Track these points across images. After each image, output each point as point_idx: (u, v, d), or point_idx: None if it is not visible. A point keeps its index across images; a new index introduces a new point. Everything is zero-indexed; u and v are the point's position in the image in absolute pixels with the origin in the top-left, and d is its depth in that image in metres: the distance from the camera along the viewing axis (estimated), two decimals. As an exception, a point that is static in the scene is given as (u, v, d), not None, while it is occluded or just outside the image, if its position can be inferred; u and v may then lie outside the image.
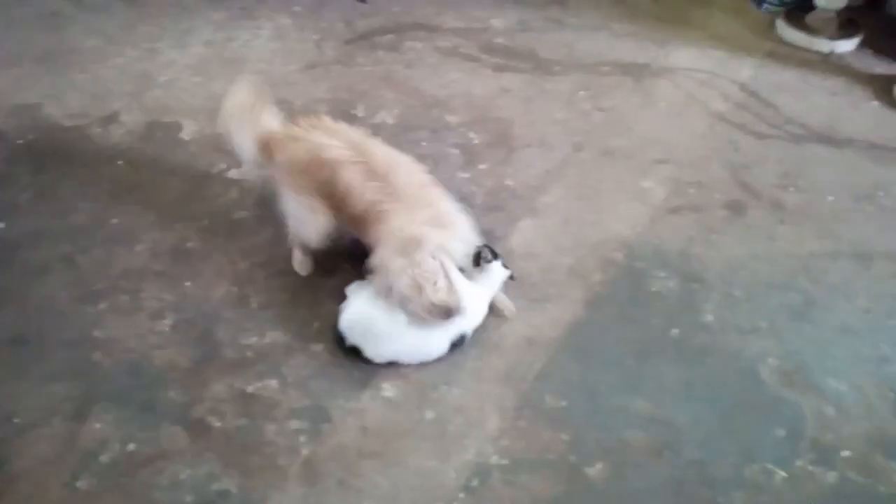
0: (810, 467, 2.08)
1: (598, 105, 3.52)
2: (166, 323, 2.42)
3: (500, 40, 3.96)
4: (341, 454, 2.06)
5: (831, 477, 2.06)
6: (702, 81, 3.69)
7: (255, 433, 2.11)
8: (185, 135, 3.23)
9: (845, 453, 2.11)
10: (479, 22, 4.14)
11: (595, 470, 2.06)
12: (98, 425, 2.12)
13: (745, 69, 3.80)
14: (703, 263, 2.69)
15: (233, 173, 2.99)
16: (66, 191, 2.91)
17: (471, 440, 2.12)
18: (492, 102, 3.51)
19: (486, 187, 3.01)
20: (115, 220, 2.78)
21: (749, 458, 2.10)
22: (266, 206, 2.82)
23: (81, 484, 1.98)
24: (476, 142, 3.25)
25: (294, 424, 2.13)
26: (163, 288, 2.53)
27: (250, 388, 2.23)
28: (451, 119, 3.38)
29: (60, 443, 2.06)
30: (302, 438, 2.10)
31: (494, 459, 2.07)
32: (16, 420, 2.12)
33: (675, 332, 2.45)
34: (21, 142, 3.16)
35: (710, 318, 2.50)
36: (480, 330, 2.40)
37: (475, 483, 2.01)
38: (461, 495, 1.98)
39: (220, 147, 3.13)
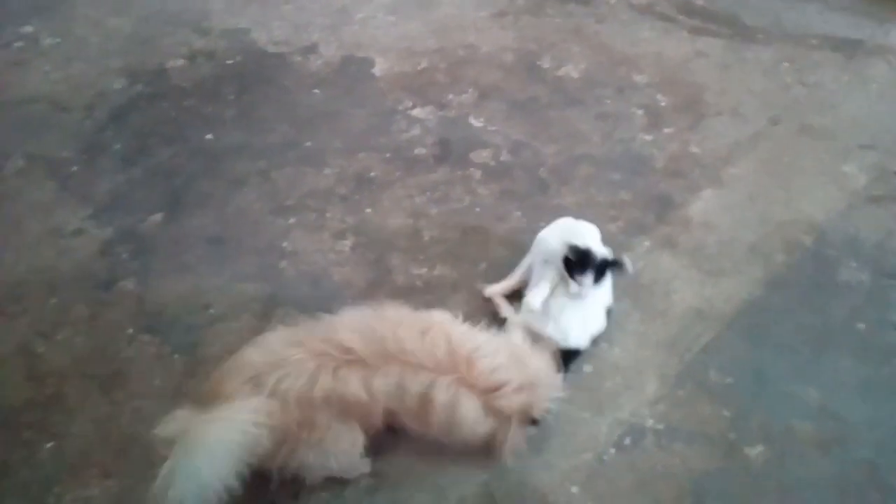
0: None
1: (802, 79, 3.26)
2: (346, 244, 2.56)
3: (700, 2, 3.75)
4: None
5: None
6: (924, 64, 3.33)
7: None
8: (377, 71, 3.35)
9: None
10: (679, -19, 3.94)
11: (755, 452, 1.98)
12: (280, 326, 2.30)
13: (979, 55, 3.38)
14: (903, 260, 2.47)
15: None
16: (266, 111, 3.12)
17: (626, 400, 2.10)
18: (684, 66, 3.35)
19: (669, 152, 2.90)
20: (308, 143, 2.95)
21: (933, 471, 1.93)
22: (444, 146, 2.90)
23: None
24: (663, 104, 3.13)
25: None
26: (346, 211, 2.68)
27: (416, 316, 2.32)
28: (639, 79, 3.27)
29: (247, 336, 2.25)
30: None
31: (650, 423, 2.05)
32: (210, 310, 2.35)
33: (860, 326, 2.28)
34: (230, 62, 3.41)
35: (903, 316, 2.30)
36: (647, 295, 2.36)
37: (627, 441, 2.00)
38: (612, 450, 1.98)
39: (407, 85, 3.25)
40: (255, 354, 1.77)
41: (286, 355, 1.73)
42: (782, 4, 3.74)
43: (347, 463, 1.83)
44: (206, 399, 1.71)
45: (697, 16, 3.67)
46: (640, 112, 3.09)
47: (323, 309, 2.31)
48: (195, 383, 2.13)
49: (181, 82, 3.29)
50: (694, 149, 2.91)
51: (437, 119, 3.07)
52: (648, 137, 2.97)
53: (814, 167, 2.83)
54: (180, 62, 3.40)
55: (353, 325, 1.82)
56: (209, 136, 2.99)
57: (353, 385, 1.71)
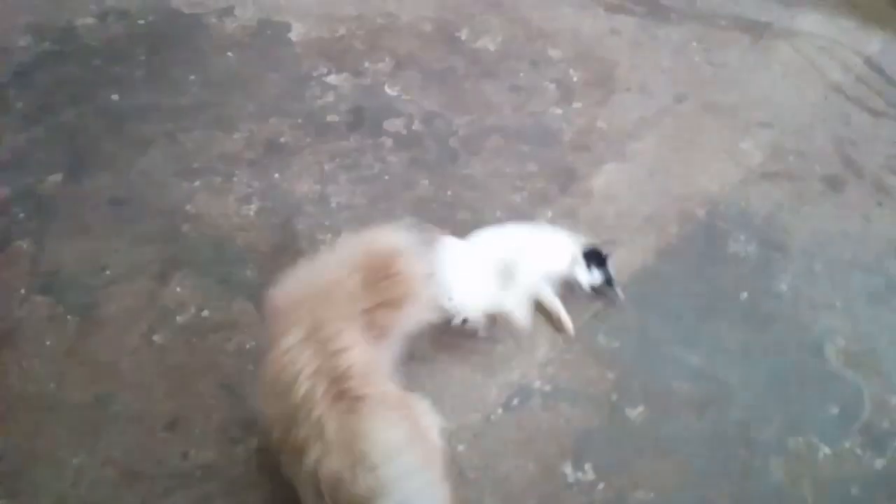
0: (858, 450, 2.05)
1: (710, 59, 3.38)
2: (252, 208, 2.55)
3: (617, -20, 3.82)
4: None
5: (878, 463, 2.02)
6: (823, 49, 3.46)
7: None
8: (294, 35, 3.31)
9: (898, 443, 2.06)
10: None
11: (636, 412, 2.09)
12: (178, 289, 2.29)
13: (874, 42, 3.54)
14: (788, 233, 2.61)
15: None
16: (178, 73, 3.06)
17: (517, 363, 2.18)
18: (598, 42, 3.42)
19: (577, 126, 2.97)
20: (218, 107, 2.91)
21: (795, 430, 2.08)
22: (357, 114, 2.91)
23: (157, 338, 2.16)
24: (575, 79, 3.20)
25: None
26: (253, 175, 2.66)
27: (319, 280, 2.34)
28: (554, 53, 3.33)
29: (143, 299, 2.25)
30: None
31: (538, 384, 2.13)
32: (107, 272, 2.32)
33: (744, 295, 2.41)
34: (142, 22, 3.31)
35: (783, 287, 2.44)
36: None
37: (515, 402, 2.08)
38: (499, 411, 2.06)
39: (323, 51, 3.23)
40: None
41: None
42: (697, -15, 3.84)
43: None
44: None
45: (616, -6, 3.74)
46: (552, 86, 3.15)
47: (223, 273, 2.34)
48: (99, 344, 2.13)
49: (90, 41, 3.18)
50: (601, 123, 2.99)
51: (351, 86, 3.06)
52: (558, 111, 3.04)
53: (713, 143, 2.94)
54: (90, 20, 3.28)
55: None
56: (115, 97, 2.92)
57: None
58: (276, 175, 2.67)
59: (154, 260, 2.37)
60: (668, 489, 1.94)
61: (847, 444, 2.05)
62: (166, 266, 2.36)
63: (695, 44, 3.45)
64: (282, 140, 2.81)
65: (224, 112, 2.90)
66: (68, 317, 2.20)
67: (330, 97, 3.01)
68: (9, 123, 2.78)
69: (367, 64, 3.19)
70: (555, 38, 3.41)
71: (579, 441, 2.02)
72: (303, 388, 1.53)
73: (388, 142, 2.84)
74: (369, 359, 1.62)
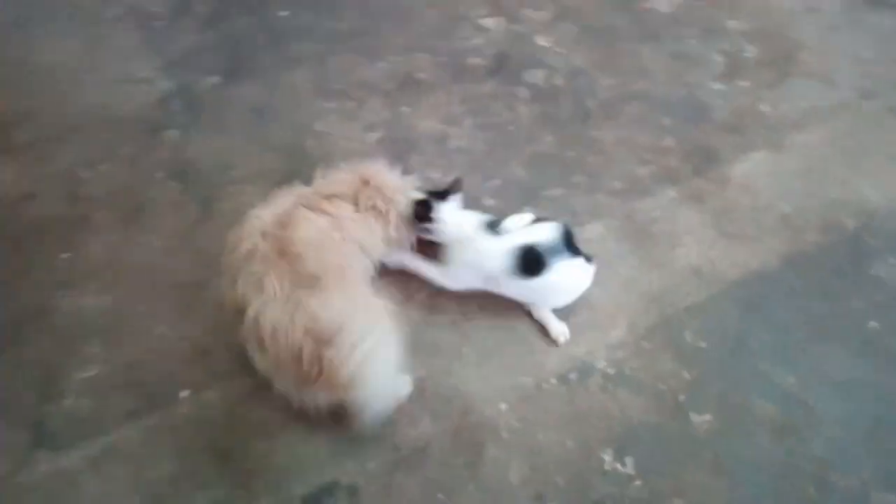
0: (962, 528, 1.73)
1: (922, 55, 2.90)
2: (374, 136, 2.62)
3: (835, -47, 3.37)
4: (460, 297, 2.12)
5: (983, 550, 1.70)
6: None
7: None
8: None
9: None
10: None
11: (701, 420, 1.91)
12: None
13: None
14: (954, 267, 2.22)
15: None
16: (342, 1, 3.17)
17: (587, 338, 2.07)
18: (789, 18, 3.06)
19: (735, 105, 2.70)
20: (370, 35, 3.00)
21: (884, 486, 1.79)
22: (500, 60, 2.85)
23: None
24: (748, 55, 2.90)
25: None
26: (384, 105, 2.72)
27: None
28: (732, 24, 3.03)
29: (257, 200, 2.37)
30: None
31: (602, 365, 2.01)
32: (232, 172, 2.50)
33: (872, 324, 2.09)
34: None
35: (926, 325, 2.09)
36: (651, 244, 2.27)
37: (572, 376, 1.99)
38: (553, 380, 1.98)
39: (487, -6, 3.19)
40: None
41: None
42: (934, -32, 3.29)
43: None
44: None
45: (827, -32, 3.31)
46: (719, 59, 2.88)
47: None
48: (207, 233, 2.33)
49: (277, -41, 3.39)
50: (764, 107, 2.69)
51: (503, 31, 3.01)
52: (718, 86, 2.77)
53: (890, 151, 2.55)
54: (282, -59, 3.49)
55: None
56: (283, 13, 3.10)
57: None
58: (405, 109, 2.71)
59: (276, 169, 2.52)
60: (710, 505, 1.78)
61: (947, 518, 1.74)
62: (284, 176, 2.48)
63: (910, 35, 2.98)
64: (419, 76, 2.83)
65: (373, 41, 2.97)
66: (192, 204, 2.42)
67: (478, 40, 2.98)
68: (187, 25, 3.06)
69: (526, 11, 3.11)
70: (738, 8, 3.10)
71: (628, 432, 1.89)
72: (247, 244, 1.77)
73: (524, 92, 2.76)
74: (324, 237, 1.84)
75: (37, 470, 1.84)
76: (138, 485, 1.82)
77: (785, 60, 2.87)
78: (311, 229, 1.85)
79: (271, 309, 1.66)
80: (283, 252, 1.75)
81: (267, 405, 1.92)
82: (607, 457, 1.85)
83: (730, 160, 2.51)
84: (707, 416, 1.91)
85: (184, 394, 1.96)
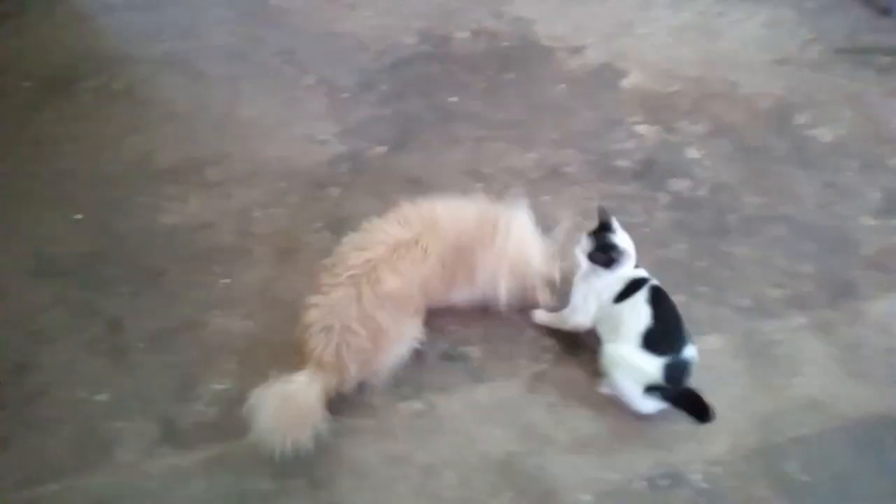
0: None
1: None
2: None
3: None
4: (559, 380, 2.18)
5: None
6: None
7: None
8: (626, 82, 3.46)
9: None
10: None
11: (792, 555, 1.82)
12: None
13: None
14: None
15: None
16: (511, 92, 3.44)
17: (685, 447, 2.05)
18: (964, 163, 2.92)
19: (886, 243, 2.62)
20: (528, 127, 3.23)
21: None
22: (648, 165, 2.95)
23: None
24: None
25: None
26: (527, 191, 2.82)
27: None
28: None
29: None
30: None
31: (696, 478, 1.98)
32: (379, 231, 2.75)
33: None
34: (505, 44, 3.77)
35: None
36: (770, 367, 2.22)
37: (663, 483, 1.97)
38: (643, 483, 1.97)
39: (646, 102, 3.32)
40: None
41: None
42: None
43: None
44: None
45: None
46: (877, 194, 2.80)
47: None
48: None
49: (457, 50, 3.74)
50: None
51: (656, 140, 3.11)
52: (871, 222, 2.69)
53: None
54: (465, 34, 3.85)
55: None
56: (454, 99, 3.40)
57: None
58: (546, 197, 2.86)
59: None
60: None
61: None
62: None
63: None
64: (566, 169, 2.99)
65: (529, 133, 3.18)
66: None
67: (630, 144, 3.10)
68: (370, 99, 3.44)
69: (682, 123, 3.20)
70: (907, 146, 3.00)
71: (708, 551, 1.84)
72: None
73: (665, 198, 2.83)
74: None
75: (159, 462, 2.10)
76: (238, 493, 2.02)
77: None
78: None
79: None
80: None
81: (368, 447, 2.08)
82: (685, 572, 1.81)
83: (868, 297, 2.42)
84: (800, 555, 1.82)
85: (297, 419, 2.16)
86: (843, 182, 2.86)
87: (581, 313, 2.23)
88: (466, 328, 2.40)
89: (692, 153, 3.03)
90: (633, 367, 2.01)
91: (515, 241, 2.31)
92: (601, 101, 3.35)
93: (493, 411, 2.17)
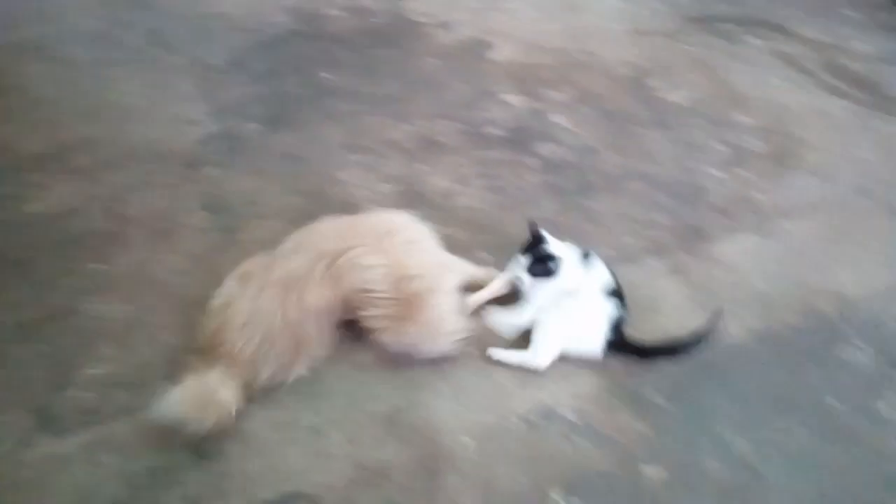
0: None
1: (925, 161, 3.02)
2: (388, 187, 2.86)
3: (849, 63, 3.56)
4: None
5: None
6: None
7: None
8: (495, 55, 3.59)
9: None
10: (838, 39, 3.75)
11: (652, 471, 2.00)
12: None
13: None
14: (925, 358, 2.28)
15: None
16: (384, 67, 3.51)
17: (557, 387, 2.19)
18: (798, 119, 3.23)
19: (730, 191, 2.86)
20: (402, 102, 3.30)
21: (822, 554, 1.84)
22: (517, 132, 3.09)
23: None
24: (751, 147, 3.07)
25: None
26: (402, 162, 2.97)
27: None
28: (742, 119, 3.21)
29: (273, 235, 2.63)
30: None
31: (566, 412, 2.13)
32: (257, 207, 2.76)
33: (831, 401, 2.17)
34: (375, 20, 3.86)
35: (883, 407, 2.14)
36: (632, 307, 2.40)
37: (535, 419, 2.10)
38: (516, 420, 2.10)
39: (514, 74, 3.46)
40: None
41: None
42: (946, 83, 3.43)
43: None
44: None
45: (841, 77, 3.49)
46: (723, 149, 3.06)
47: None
48: (224, 259, 2.56)
49: (329, 27, 3.77)
50: (757, 195, 2.84)
51: (524, 108, 3.26)
52: (717, 173, 2.94)
53: (877, 245, 2.65)
54: (335, 12, 3.88)
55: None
56: (327, 75, 3.43)
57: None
58: (421, 166, 2.95)
59: (296, 208, 2.76)
60: (647, 554, 1.84)
61: None
62: (301, 216, 2.71)
63: (914, 142, 3.11)
64: (440, 139, 3.09)
65: (404, 107, 3.26)
66: (215, 233, 2.67)
67: (500, 113, 3.23)
68: (243, 79, 3.41)
69: (548, 92, 3.36)
70: (748, 105, 3.29)
71: (580, 476, 1.98)
72: None
73: (534, 162, 2.98)
74: None
75: (36, 451, 2.04)
76: (122, 474, 1.99)
77: (786, 155, 3.02)
78: None
79: None
80: None
81: (249, 418, 2.10)
82: (556, 496, 1.95)
83: (715, 239, 2.66)
84: (658, 470, 2.00)
85: (177, 397, 2.16)
86: (693, 139, 3.10)
87: (545, 354, 2.23)
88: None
89: (558, 119, 3.20)
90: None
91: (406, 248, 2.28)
92: (472, 73, 3.47)
93: (377, 371, 2.24)
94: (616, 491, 1.96)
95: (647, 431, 2.09)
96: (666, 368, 2.24)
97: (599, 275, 2.30)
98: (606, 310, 2.24)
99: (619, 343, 2.25)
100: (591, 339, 2.23)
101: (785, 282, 2.50)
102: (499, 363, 2.23)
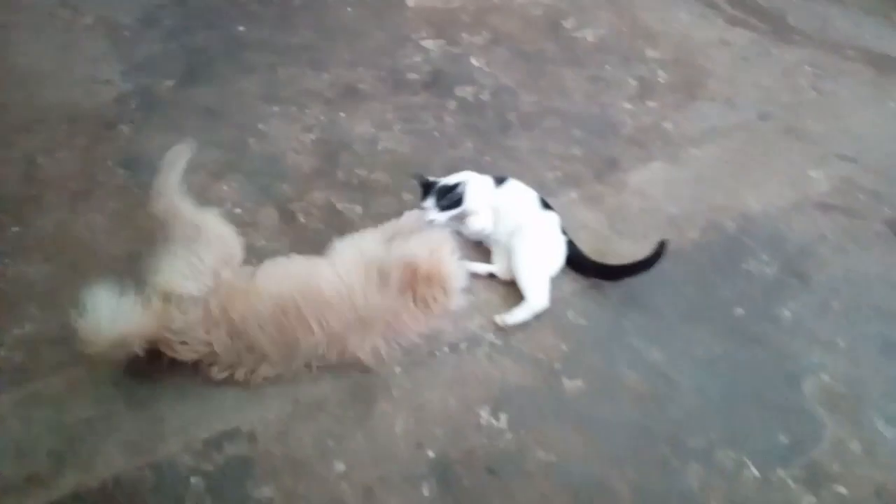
0: (791, 482, 1.93)
1: (818, 85, 3.20)
2: (310, 136, 2.88)
3: (755, -4, 3.71)
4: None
5: (806, 500, 1.89)
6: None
7: (325, 236, 2.49)
8: (411, 1, 3.60)
9: (840, 489, 1.92)
10: (741, -29, 3.89)
11: (572, 384, 2.12)
12: (225, 188, 2.66)
13: None
14: (818, 265, 2.46)
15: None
16: (299, 18, 3.48)
17: (480, 315, 2.28)
18: (702, 50, 3.36)
19: (640, 123, 2.98)
20: (319, 51, 3.29)
21: (729, 444, 2.00)
22: (435, 76, 3.13)
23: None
24: (661, 80, 3.19)
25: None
26: (323, 111, 2.99)
27: (339, 206, 2.60)
28: (650, 53, 3.33)
29: (195, 189, 2.60)
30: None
31: (490, 337, 2.23)
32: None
33: (739, 311, 2.32)
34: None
35: (786, 314, 2.32)
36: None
37: (463, 346, 2.20)
38: (445, 349, 2.19)
39: (431, 19, 3.49)
40: None
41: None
42: (838, 12, 3.63)
43: None
44: None
45: (742, 7, 3.64)
46: (633, 83, 3.17)
47: (265, 183, 2.66)
48: (142, 212, 2.55)
49: (242, -20, 3.70)
50: (667, 125, 2.97)
51: (441, 53, 3.30)
52: (628, 106, 3.05)
53: (778, 166, 2.82)
54: (248, -35, 3.80)
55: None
56: (241, 28, 3.39)
57: None
58: (342, 114, 2.97)
59: (217, 161, 2.76)
60: (569, 458, 1.97)
61: (781, 474, 1.94)
62: (224, 168, 2.74)
63: (808, 67, 3.28)
64: (360, 87, 3.11)
65: (322, 56, 3.26)
66: (135, 189, 2.65)
67: (418, 58, 3.26)
68: (154, 36, 3.34)
69: (464, 35, 3.40)
70: (658, 40, 3.40)
71: (505, 393, 2.10)
72: None
73: (452, 105, 3.03)
74: None
75: (-34, 411, 2.04)
76: (58, 427, 2.00)
77: (693, 86, 3.15)
78: None
79: None
80: None
81: (179, 367, 2.12)
82: (484, 413, 2.06)
83: (628, 169, 2.78)
84: (578, 382, 2.13)
85: (108, 349, 2.17)
86: (605, 75, 3.20)
87: (539, 292, 2.29)
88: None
89: (475, 62, 3.25)
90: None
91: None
92: (389, 21, 3.48)
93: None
94: (540, 404, 2.08)
95: (567, 349, 2.21)
96: (585, 291, 2.36)
97: (526, 194, 2.41)
98: (552, 220, 2.37)
99: (579, 262, 2.37)
100: (559, 252, 2.35)
101: (693, 204, 2.65)
102: (514, 326, 2.25)
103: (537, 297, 2.28)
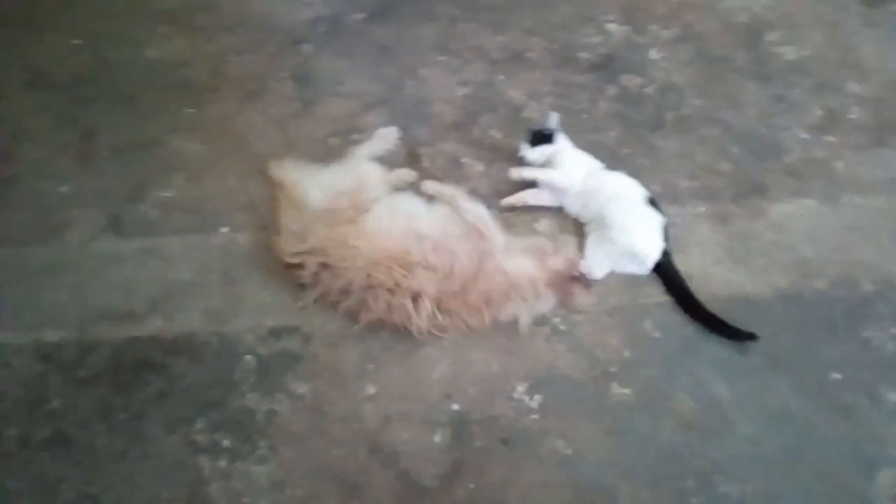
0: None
1: None
2: (463, 91, 2.96)
3: None
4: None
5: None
6: None
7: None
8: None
9: None
10: None
11: (620, 391, 2.06)
12: (370, 119, 2.83)
13: None
14: (959, 356, 2.13)
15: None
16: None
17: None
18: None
19: (809, 155, 2.70)
20: (501, 12, 3.34)
21: (763, 500, 1.83)
22: (607, 60, 3.06)
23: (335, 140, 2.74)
24: (851, 116, 2.86)
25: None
26: (484, 70, 3.04)
27: (463, 160, 2.68)
28: (851, 86, 2.98)
29: (346, 115, 2.83)
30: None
31: (557, 321, 2.21)
32: (339, 87, 2.96)
33: (836, 376, 2.08)
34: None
35: (892, 397, 2.04)
36: (673, 249, 2.36)
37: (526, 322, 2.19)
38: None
39: (625, 6, 3.38)
40: None
41: None
42: None
43: None
44: None
45: None
46: (819, 112, 2.87)
47: (405, 125, 2.78)
48: (296, 123, 2.80)
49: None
50: (838, 164, 2.67)
51: (622, 38, 3.20)
52: (803, 135, 2.78)
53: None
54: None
55: None
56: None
57: None
58: (501, 77, 3.01)
59: (373, 94, 2.94)
60: (587, 457, 1.92)
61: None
62: (376, 101, 2.91)
63: None
64: (528, 55, 3.12)
65: (503, 19, 3.30)
66: (297, 102, 2.91)
67: (596, 39, 3.20)
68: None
69: (653, 26, 3.27)
70: (865, 74, 3.03)
71: (549, 376, 2.07)
72: None
73: (612, 91, 2.95)
74: None
75: (101, 245, 2.42)
76: (162, 280, 2.33)
77: (887, 130, 2.79)
78: None
79: None
80: None
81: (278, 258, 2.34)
82: (520, 388, 2.06)
83: (775, 199, 2.54)
84: (626, 391, 2.05)
85: (223, 230, 2.45)
86: (791, 97, 2.93)
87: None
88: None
89: (653, 54, 3.13)
90: None
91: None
92: (586, -1, 3.43)
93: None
94: (579, 398, 2.04)
95: (630, 356, 2.13)
96: (672, 305, 2.24)
97: (632, 187, 2.42)
98: (655, 219, 2.34)
99: (664, 273, 2.29)
100: (648, 242, 2.30)
101: (833, 253, 2.38)
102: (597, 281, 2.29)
103: (642, 239, 2.29)
